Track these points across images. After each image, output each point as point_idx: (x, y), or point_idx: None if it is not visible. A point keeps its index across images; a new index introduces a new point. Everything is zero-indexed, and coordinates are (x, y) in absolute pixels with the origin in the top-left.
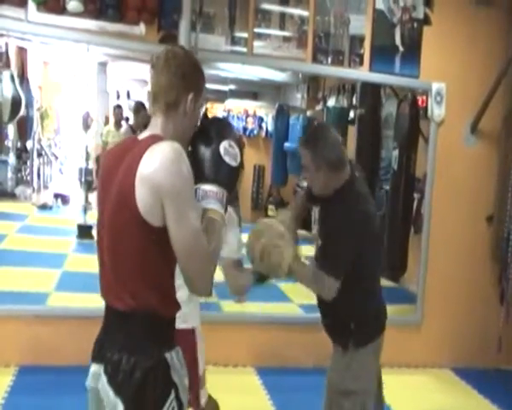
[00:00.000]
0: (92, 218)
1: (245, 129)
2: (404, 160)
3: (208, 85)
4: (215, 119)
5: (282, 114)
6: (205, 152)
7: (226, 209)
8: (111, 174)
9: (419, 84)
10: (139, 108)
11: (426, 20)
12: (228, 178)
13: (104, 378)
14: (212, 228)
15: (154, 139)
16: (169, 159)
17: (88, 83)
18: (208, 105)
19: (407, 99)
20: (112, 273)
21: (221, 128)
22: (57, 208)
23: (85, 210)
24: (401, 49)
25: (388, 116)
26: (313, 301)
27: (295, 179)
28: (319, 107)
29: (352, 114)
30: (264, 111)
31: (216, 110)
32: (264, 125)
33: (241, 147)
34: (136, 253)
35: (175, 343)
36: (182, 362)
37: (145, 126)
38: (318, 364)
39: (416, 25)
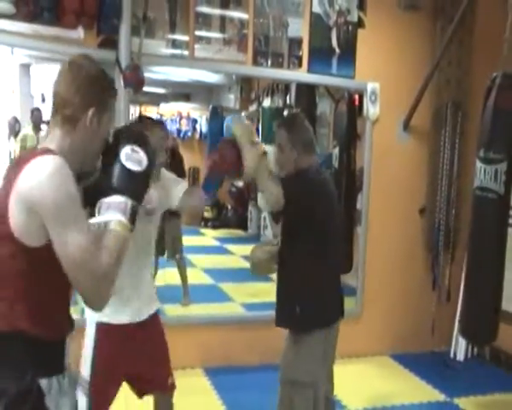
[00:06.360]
0: None
1: (179, 131)
2: (344, 157)
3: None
4: (123, 127)
5: (216, 116)
6: (108, 163)
7: (134, 218)
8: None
9: (355, 84)
10: None
11: (360, 23)
12: (131, 185)
13: None
14: (110, 240)
15: (42, 153)
16: (47, 174)
17: (11, 86)
18: (142, 108)
19: (344, 98)
20: None
21: (125, 135)
22: None
23: None
24: (337, 50)
25: (322, 115)
26: (254, 299)
27: (230, 180)
28: (253, 107)
29: (286, 114)
30: (198, 113)
31: (149, 113)
32: (198, 126)
33: (149, 150)
34: (8, 273)
35: (62, 368)
36: (65, 389)
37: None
38: (264, 361)
39: (350, 28)
